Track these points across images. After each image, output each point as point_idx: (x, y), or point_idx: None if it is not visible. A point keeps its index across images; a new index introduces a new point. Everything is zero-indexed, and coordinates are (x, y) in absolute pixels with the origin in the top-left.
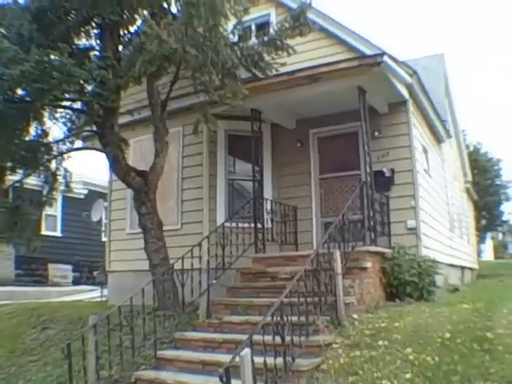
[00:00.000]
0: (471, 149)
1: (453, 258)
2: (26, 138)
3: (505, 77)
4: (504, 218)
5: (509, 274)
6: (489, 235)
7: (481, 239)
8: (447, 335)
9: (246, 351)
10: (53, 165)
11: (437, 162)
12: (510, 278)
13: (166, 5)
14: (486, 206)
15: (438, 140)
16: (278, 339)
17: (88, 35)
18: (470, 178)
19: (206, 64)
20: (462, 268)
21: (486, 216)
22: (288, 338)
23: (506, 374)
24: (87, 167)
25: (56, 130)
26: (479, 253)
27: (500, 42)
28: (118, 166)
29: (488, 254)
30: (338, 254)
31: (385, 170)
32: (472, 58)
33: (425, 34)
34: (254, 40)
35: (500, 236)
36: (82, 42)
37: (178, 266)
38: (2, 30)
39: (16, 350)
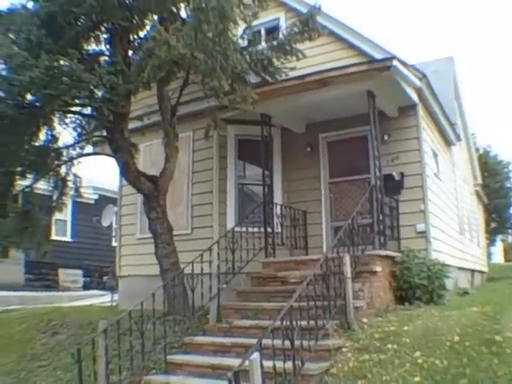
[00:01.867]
0: (481, 152)
1: (462, 261)
2: (36, 144)
3: None
4: None
5: None
6: (499, 238)
7: (491, 242)
8: (456, 338)
9: (256, 355)
10: (63, 170)
11: (447, 165)
12: None
13: (175, 10)
14: (496, 208)
15: (448, 143)
16: (287, 343)
17: (97, 40)
18: (479, 180)
19: (216, 69)
20: (472, 271)
21: (496, 219)
22: (297, 342)
23: None
24: (98, 173)
25: (66, 135)
26: (489, 255)
27: (510, 43)
28: (128, 171)
29: (498, 256)
30: (347, 258)
31: (394, 173)
32: (482, 61)
33: (434, 37)
34: (263, 45)
35: (510, 239)
36: (92, 47)
37: (188, 270)
38: (11, 36)
39: (26, 355)
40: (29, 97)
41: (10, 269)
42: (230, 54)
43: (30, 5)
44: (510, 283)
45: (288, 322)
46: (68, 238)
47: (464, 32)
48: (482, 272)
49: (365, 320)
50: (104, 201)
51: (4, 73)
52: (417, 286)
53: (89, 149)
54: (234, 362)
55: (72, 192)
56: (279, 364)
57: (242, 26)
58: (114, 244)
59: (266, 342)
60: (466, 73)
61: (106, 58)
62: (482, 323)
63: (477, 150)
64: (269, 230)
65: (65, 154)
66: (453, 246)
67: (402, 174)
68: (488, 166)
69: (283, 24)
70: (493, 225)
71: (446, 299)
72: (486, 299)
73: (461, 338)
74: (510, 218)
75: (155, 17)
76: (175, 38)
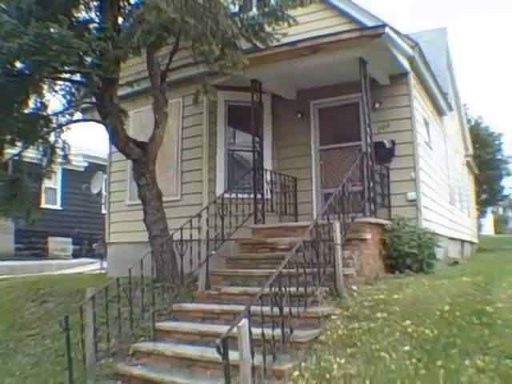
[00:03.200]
0: (472, 123)
1: (453, 231)
2: (25, 111)
3: (508, 51)
4: (505, 193)
5: (509, 249)
6: (489, 210)
7: (481, 213)
8: (446, 308)
9: (244, 322)
10: (52, 137)
11: (438, 135)
12: (510, 252)
13: None
14: (487, 180)
15: (440, 113)
16: (276, 310)
17: (88, 7)
18: (471, 151)
19: (206, 34)
20: (462, 241)
21: (487, 190)
22: (286, 309)
23: (505, 349)
24: (87, 140)
25: (55, 102)
26: (479, 227)
27: (504, 14)
28: (118, 137)
29: (488, 228)
30: (337, 225)
31: (385, 141)
32: (474, 32)
33: (427, 8)
34: (254, 11)
35: (500, 211)
36: (82, 14)
37: (177, 236)
38: (2, 5)
39: (15, 324)
40: (18, 64)
41: (0, 238)
42: (221, 19)
43: None
44: (501, 255)
45: (277, 289)
46: (58, 206)
47: (457, 3)
48: (472, 243)
49: (354, 288)
50: (93, 168)
51: None
52: (407, 254)
53: (78, 116)
54: (223, 328)
55: (61, 159)
56: (268, 331)
57: None
58: (104, 211)
59: (255, 308)
60: (458, 44)
61: (96, 25)
62: (472, 293)
63: (468, 121)
64: (258, 196)
65: (54, 121)
66: (443, 215)
67: (393, 142)
68: (479, 137)
69: None
70: (483, 196)
71: (436, 268)
72: (477, 270)
73: (451, 307)
74: (501, 189)
75: None
76: (165, 2)
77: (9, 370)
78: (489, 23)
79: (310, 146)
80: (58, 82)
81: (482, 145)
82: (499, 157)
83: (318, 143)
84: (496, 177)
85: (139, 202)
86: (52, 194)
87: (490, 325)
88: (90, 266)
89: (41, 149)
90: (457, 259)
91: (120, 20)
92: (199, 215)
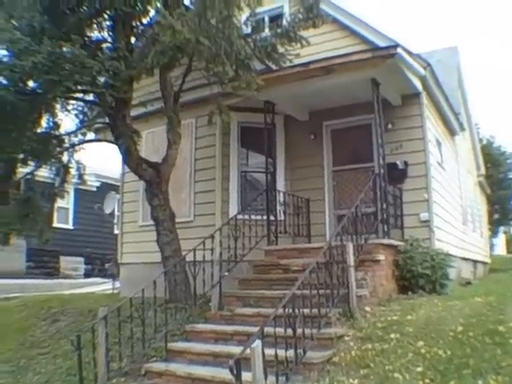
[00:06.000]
0: (484, 142)
1: (465, 252)
2: (38, 130)
3: None
4: None
5: None
6: (501, 229)
7: (493, 233)
8: (459, 328)
9: (257, 343)
10: (64, 157)
11: (450, 155)
12: None
13: None
14: (499, 199)
15: (452, 133)
16: (289, 331)
17: (100, 27)
18: (483, 171)
19: (220, 55)
20: (475, 262)
21: (499, 210)
22: (299, 331)
23: None
24: (100, 160)
25: (68, 122)
26: (491, 247)
27: None
28: (130, 158)
29: (500, 248)
30: (350, 247)
31: (398, 162)
32: (486, 52)
33: (438, 27)
34: (267, 32)
35: None
36: (94, 34)
37: (190, 257)
38: (14, 22)
39: (25, 343)
40: (31, 83)
41: (12, 256)
42: (234, 40)
43: None
44: None
45: (290, 310)
46: (70, 226)
47: (468, 22)
48: (484, 263)
49: (367, 309)
50: (106, 188)
51: (5, 59)
52: (420, 275)
53: (91, 136)
54: (236, 349)
55: (74, 179)
56: (281, 352)
57: (246, 13)
58: (116, 231)
59: (268, 329)
60: (469, 63)
61: (109, 45)
62: (485, 313)
63: (480, 140)
64: (271, 217)
65: (67, 140)
66: (456, 235)
67: (406, 163)
68: (491, 157)
69: (287, 11)
70: (495, 216)
71: (449, 289)
72: (490, 290)
73: (464, 328)
74: None
75: (158, 4)
76: (180, 22)
77: None
78: (499, 41)
79: (323, 167)
80: (71, 102)
81: (493, 164)
82: (511, 176)
83: (331, 164)
84: (508, 196)
85: (152, 222)
86: (64, 213)
87: (502, 344)
88: (101, 286)
89: (53, 168)
90: (469, 279)
91: (133, 40)
92: (212, 236)
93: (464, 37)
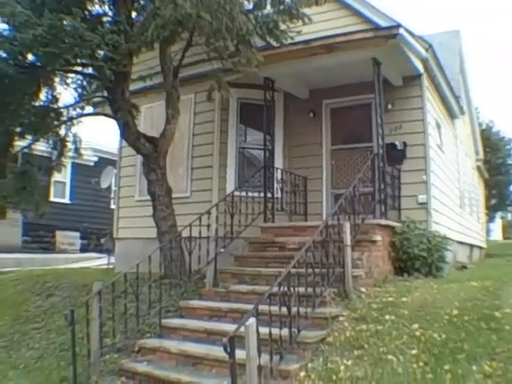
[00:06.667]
0: (483, 127)
1: (462, 235)
2: (36, 104)
3: None
4: None
5: None
6: (498, 215)
7: (490, 218)
8: (455, 312)
9: (252, 321)
10: (62, 130)
11: (449, 138)
12: None
13: None
14: (497, 185)
15: (452, 116)
16: (284, 310)
17: (101, 1)
18: (481, 155)
19: (221, 30)
20: (471, 246)
21: (496, 195)
22: (294, 309)
23: None
24: (97, 134)
25: (66, 95)
26: (488, 232)
27: None
28: (128, 132)
29: (497, 233)
30: (347, 226)
31: (397, 143)
32: (487, 36)
33: (440, 10)
34: (269, 8)
35: (509, 216)
36: (95, 8)
37: (185, 233)
38: None
39: (19, 318)
40: (30, 57)
41: (8, 231)
42: (236, 16)
43: None
44: (509, 260)
45: (285, 288)
46: (66, 200)
47: (470, 6)
48: (480, 248)
49: (363, 289)
50: (104, 163)
51: (6, 33)
52: (416, 257)
53: (89, 109)
54: (230, 327)
55: (71, 153)
56: (275, 331)
57: None
58: (113, 206)
59: (263, 307)
60: (471, 47)
61: (109, 19)
62: (481, 298)
63: (479, 124)
64: (268, 195)
65: (65, 114)
66: (453, 219)
67: (405, 144)
68: (490, 142)
69: None
70: (493, 201)
71: (445, 272)
72: (486, 274)
73: (459, 312)
74: (510, 195)
75: None
76: None
77: (12, 363)
78: (502, 27)
79: (322, 145)
80: (70, 75)
81: (492, 149)
82: (509, 162)
83: (330, 143)
84: (506, 182)
85: (148, 197)
86: (61, 187)
87: (497, 330)
88: (97, 261)
89: (51, 142)
90: (465, 264)
91: (133, 14)
92: (209, 212)
93: (465, 21)
